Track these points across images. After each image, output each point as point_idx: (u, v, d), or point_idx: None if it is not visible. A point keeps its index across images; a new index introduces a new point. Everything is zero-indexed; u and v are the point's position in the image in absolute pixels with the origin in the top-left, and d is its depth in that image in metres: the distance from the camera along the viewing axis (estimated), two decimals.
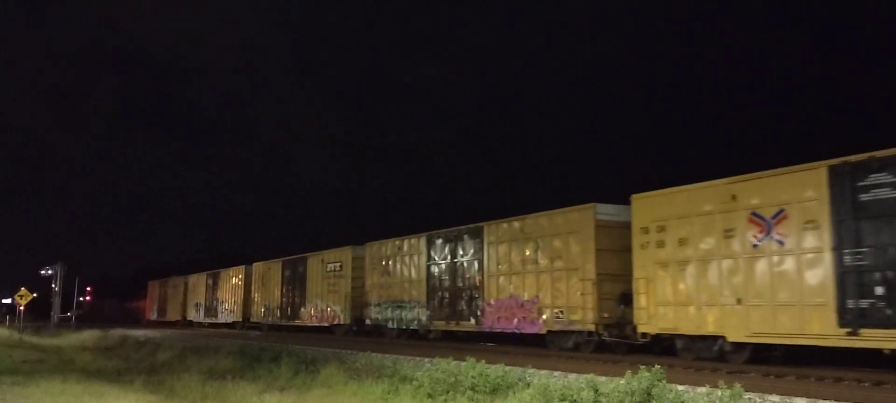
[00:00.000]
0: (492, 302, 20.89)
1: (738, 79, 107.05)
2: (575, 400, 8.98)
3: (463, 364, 11.26)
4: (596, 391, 9.01)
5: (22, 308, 41.06)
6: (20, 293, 40.49)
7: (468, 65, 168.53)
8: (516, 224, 20.29)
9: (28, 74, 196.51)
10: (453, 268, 22.75)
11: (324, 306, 30.64)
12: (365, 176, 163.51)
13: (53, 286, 47.63)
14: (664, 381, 8.95)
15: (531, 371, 12.60)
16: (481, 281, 21.35)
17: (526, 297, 19.55)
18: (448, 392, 10.66)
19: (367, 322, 27.20)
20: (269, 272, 36.64)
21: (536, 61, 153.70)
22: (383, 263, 26.46)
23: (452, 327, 22.90)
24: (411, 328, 24.69)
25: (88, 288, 71.62)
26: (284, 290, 34.70)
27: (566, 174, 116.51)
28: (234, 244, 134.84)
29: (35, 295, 44.05)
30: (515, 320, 19.87)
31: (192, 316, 47.48)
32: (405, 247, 25.36)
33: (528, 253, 19.67)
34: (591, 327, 17.49)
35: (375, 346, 21.41)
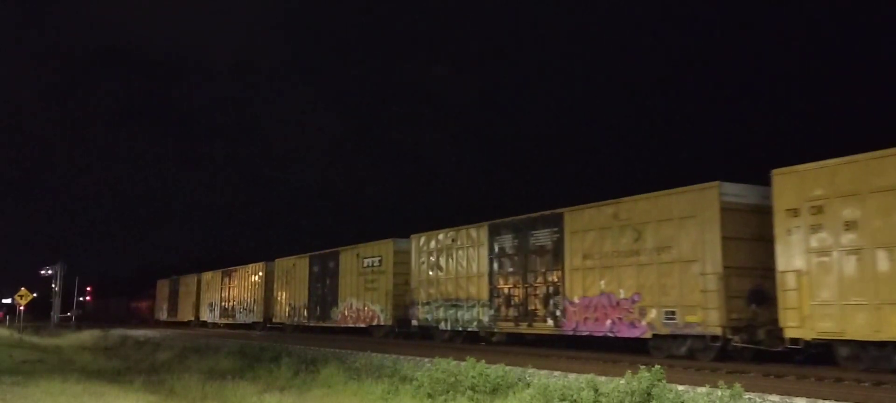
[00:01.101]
0: (576, 300, 17.83)
1: (733, 81, 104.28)
2: (575, 400, 8.95)
3: (463, 364, 11.22)
4: (596, 391, 8.97)
5: (22, 308, 40.70)
6: (20, 293, 40.10)
7: (468, 65, 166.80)
8: (608, 209, 17.27)
9: (28, 74, 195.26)
10: (524, 262, 19.63)
11: (360, 305, 27.46)
12: (365, 175, 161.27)
13: (53, 286, 47.11)
14: (664, 381, 8.87)
15: (531, 371, 12.49)
16: (561, 277, 18.31)
17: (622, 295, 16.54)
18: (448, 392, 10.64)
19: (414, 323, 24.05)
20: (294, 269, 33.27)
21: (537, 61, 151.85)
22: (433, 257, 23.36)
23: (523, 329, 19.76)
24: (469, 329, 21.63)
25: (88, 288, 69.98)
26: (312, 288, 31.44)
27: (566, 174, 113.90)
28: (234, 244, 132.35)
29: (35, 295, 43.70)
30: (608, 321, 16.87)
31: (207, 316, 44.02)
32: (461, 239, 22.19)
33: (625, 242, 16.66)
34: (717, 330, 14.52)
35: (375, 346, 20.30)
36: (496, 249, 20.70)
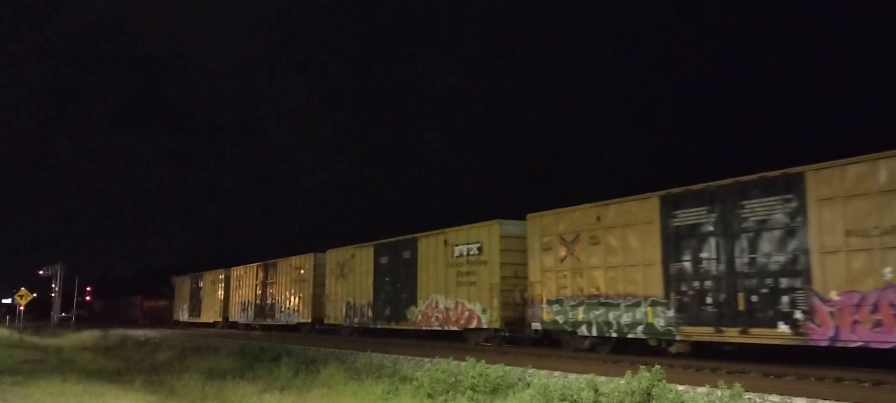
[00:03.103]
0: (833, 297, 12.98)
1: (731, 82, 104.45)
2: (575, 400, 8.98)
3: (463, 364, 11.28)
4: (596, 391, 9.01)
5: (22, 308, 40.72)
6: (20, 293, 40.23)
7: (468, 64, 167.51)
8: (893, 163, 12.38)
9: (28, 74, 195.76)
10: (728, 243, 14.69)
11: (449, 304, 22.83)
12: (365, 175, 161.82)
13: (53, 286, 47.14)
14: (664, 381, 8.87)
15: (531, 371, 12.38)
16: (806, 263, 13.46)
17: None
18: (448, 392, 10.70)
19: (535, 326, 19.34)
20: (353, 260, 28.62)
21: (536, 61, 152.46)
22: (563, 243, 18.63)
23: (732, 337, 14.60)
24: (631, 335, 16.65)
25: (89, 288, 69.52)
26: (379, 283, 26.83)
27: (566, 172, 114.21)
28: (235, 243, 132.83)
29: (35, 295, 43.77)
30: None
31: (238, 316, 39.09)
32: (611, 216, 17.30)
33: None
34: None
35: (375, 346, 19.01)
36: (674, 227, 15.86)
